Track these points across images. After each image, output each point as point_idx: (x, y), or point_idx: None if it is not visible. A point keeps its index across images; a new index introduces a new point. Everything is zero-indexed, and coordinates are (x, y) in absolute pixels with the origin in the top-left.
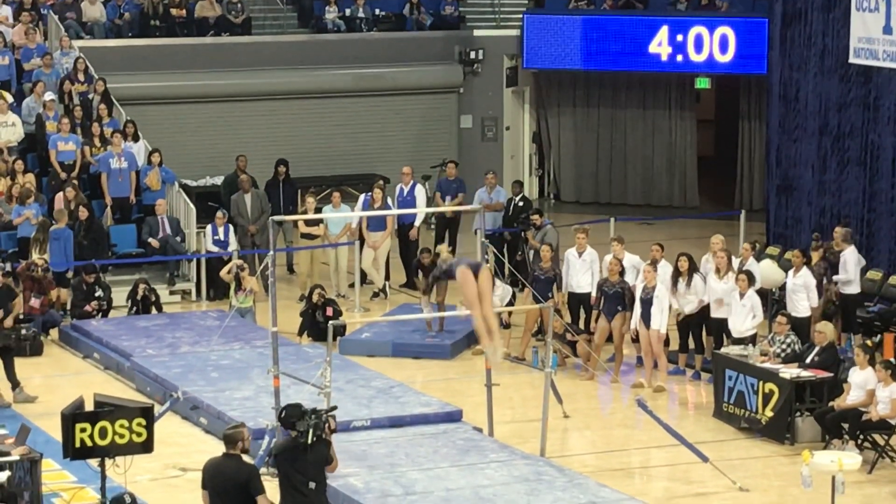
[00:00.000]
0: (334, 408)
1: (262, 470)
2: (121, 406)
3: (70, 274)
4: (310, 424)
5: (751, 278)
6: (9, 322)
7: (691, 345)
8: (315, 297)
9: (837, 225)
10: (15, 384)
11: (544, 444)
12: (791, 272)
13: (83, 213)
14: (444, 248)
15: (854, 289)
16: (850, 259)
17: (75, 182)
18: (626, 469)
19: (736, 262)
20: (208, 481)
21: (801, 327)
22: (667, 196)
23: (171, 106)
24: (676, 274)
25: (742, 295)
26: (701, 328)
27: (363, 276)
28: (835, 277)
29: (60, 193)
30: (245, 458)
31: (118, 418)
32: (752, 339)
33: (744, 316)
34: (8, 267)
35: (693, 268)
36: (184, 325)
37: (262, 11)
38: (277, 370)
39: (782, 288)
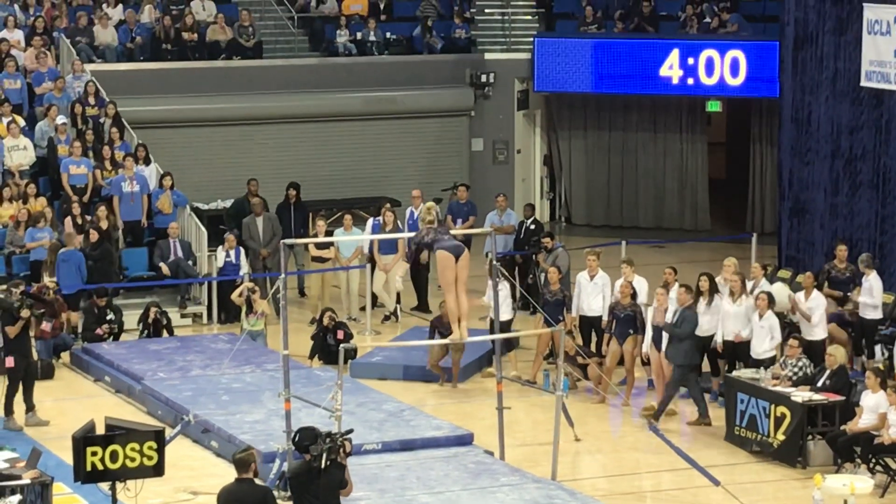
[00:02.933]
0: (350, 431)
1: (274, 493)
2: (132, 429)
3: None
4: (324, 448)
5: (770, 299)
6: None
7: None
8: (326, 321)
9: (840, 244)
10: (29, 407)
11: (555, 468)
12: (802, 295)
13: (93, 236)
14: (431, 206)
15: (877, 314)
16: (876, 284)
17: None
18: (638, 493)
19: (749, 284)
20: None
21: (814, 350)
22: (678, 219)
23: (183, 129)
24: (697, 294)
25: (761, 316)
26: (714, 351)
27: (374, 300)
28: (859, 299)
29: (69, 218)
30: (257, 480)
31: (129, 442)
32: (772, 361)
33: (762, 337)
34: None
35: (714, 288)
36: (195, 348)
37: (273, 35)
38: (289, 393)
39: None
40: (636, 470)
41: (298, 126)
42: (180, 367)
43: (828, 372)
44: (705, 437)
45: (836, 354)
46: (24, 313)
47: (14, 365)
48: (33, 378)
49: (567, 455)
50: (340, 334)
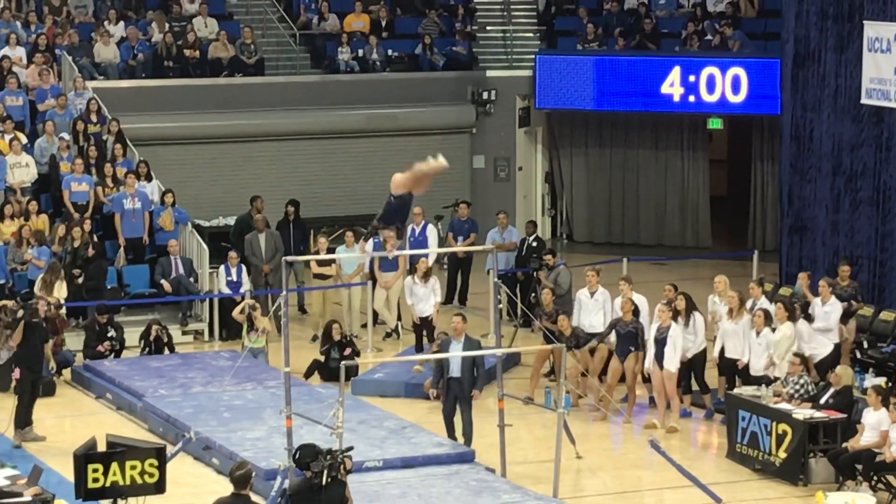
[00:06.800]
0: (350, 448)
1: None
2: (133, 447)
3: None
4: (324, 465)
5: (767, 316)
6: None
7: (695, 386)
8: (335, 335)
9: (843, 263)
10: (28, 422)
11: (557, 485)
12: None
13: (90, 252)
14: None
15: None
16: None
17: (72, 222)
18: None
19: (749, 303)
20: None
21: (819, 368)
22: (679, 236)
23: (184, 146)
24: (675, 314)
25: (758, 333)
26: (703, 368)
27: (375, 317)
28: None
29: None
30: (253, 497)
31: (130, 459)
32: (769, 379)
33: (759, 354)
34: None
35: (691, 307)
36: (196, 365)
37: (275, 52)
38: (290, 410)
39: None
40: (638, 487)
41: (300, 143)
42: (181, 384)
43: (831, 390)
44: (707, 455)
45: (843, 374)
46: (20, 314)
47: (20, 377)
48: (36, 394)
49: (569, 472)
50: (348, 351)
